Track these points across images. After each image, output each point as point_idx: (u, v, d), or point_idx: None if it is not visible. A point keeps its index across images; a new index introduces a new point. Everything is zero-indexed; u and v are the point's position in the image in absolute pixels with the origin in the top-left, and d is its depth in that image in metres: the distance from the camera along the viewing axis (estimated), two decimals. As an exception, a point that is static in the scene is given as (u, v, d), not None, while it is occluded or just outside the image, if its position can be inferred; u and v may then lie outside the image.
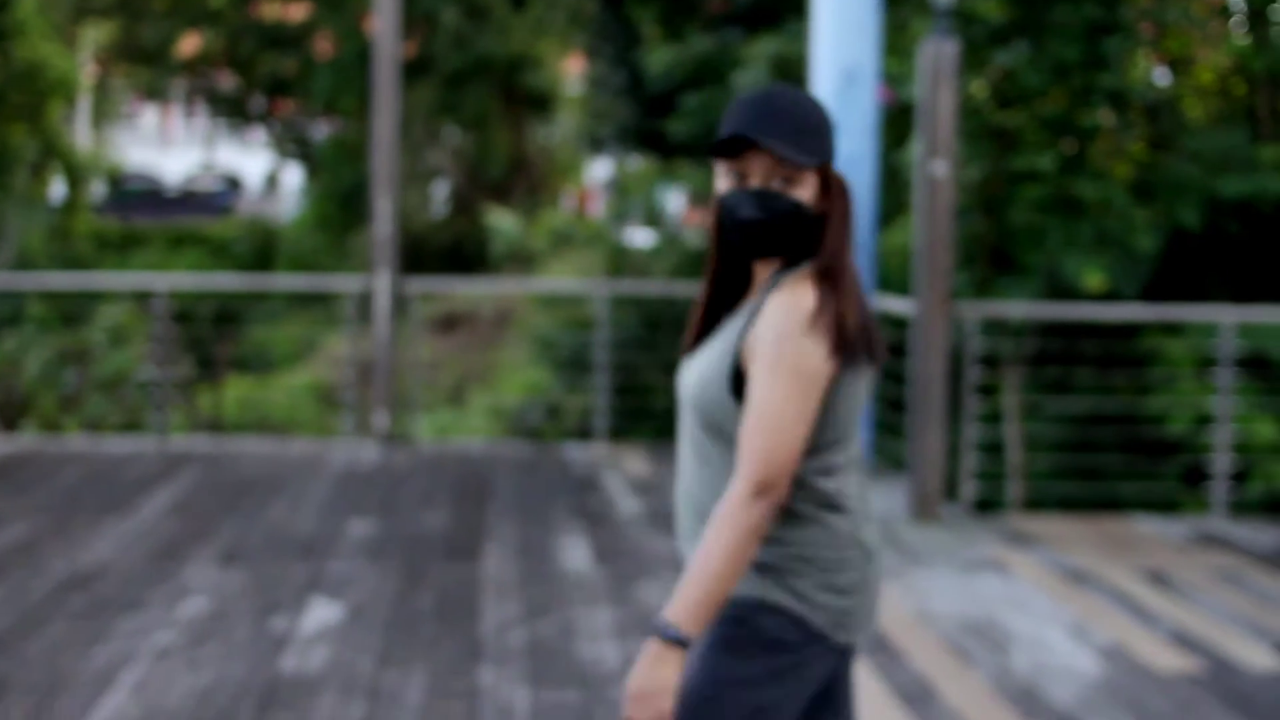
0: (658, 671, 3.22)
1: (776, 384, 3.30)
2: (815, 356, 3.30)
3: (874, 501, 3.51)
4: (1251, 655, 7.15)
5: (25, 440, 12.95)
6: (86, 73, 38.32)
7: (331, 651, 6.87)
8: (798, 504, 3.39)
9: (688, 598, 3.23)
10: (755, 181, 3.41)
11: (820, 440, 3.39)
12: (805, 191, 3.41)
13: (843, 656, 3.51)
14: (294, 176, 46.34)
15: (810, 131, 3.41)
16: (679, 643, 3.21)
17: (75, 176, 34.12)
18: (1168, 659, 7.06)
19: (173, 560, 8.48)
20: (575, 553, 8.87)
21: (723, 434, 3.42)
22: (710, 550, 3.24)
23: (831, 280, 3.38)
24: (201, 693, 6.26)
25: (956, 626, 7.53)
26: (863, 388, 3.45)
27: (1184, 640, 7.37)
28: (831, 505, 3.42)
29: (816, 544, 3.40)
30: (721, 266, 3.59)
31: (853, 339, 3.35)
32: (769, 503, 3.26)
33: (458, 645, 7.00)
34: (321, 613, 7.49)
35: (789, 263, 3.47)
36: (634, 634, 7.18)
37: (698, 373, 3.48)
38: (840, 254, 3.43)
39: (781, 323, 3.33)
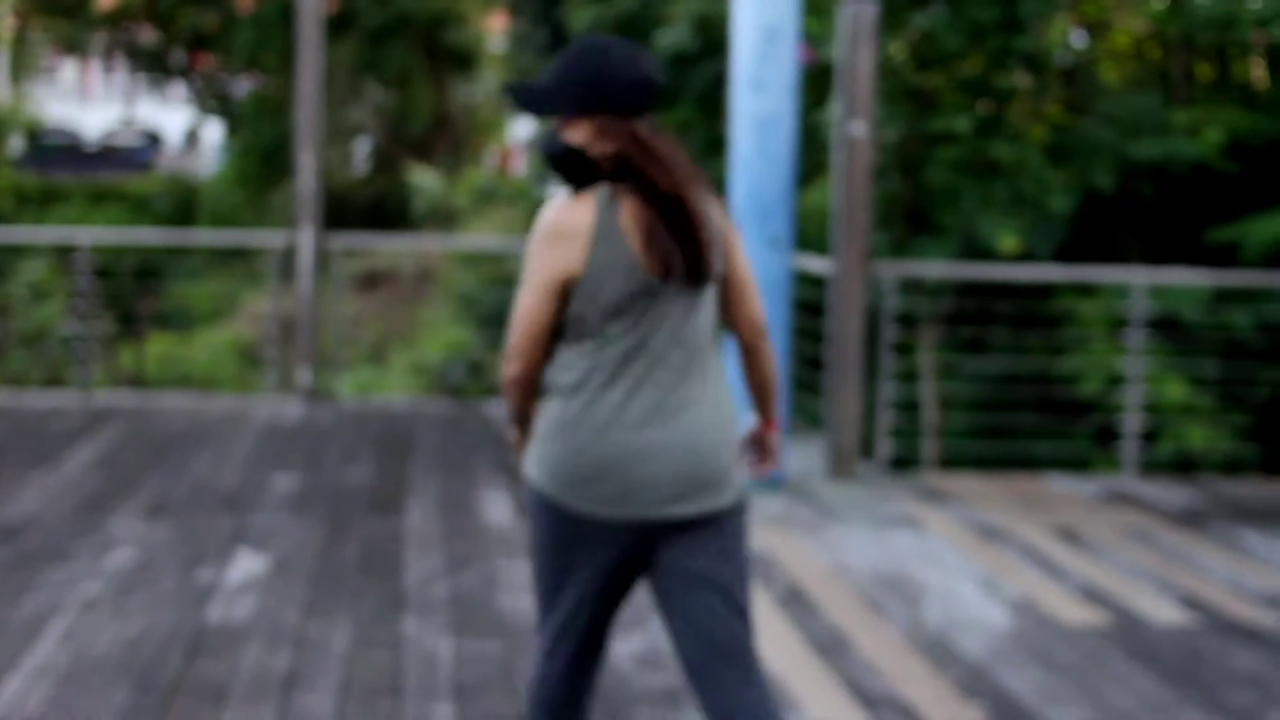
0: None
1: (522, 281, 3.99)
2: (537, 259, 3.92)
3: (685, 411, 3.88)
4: (1157, 609, 7.32)
5: (-54, 394, 12.96)
6: (5, 26, 37.97)
7: (257, 602, 6.95)
8: (549, 378, 4.01)
9: None
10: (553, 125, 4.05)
11: (568, 331, 3.96)
12: (577, 135, 3.97)
13: (643, 536, 3.97)
14: (214, 132, 46.10)
15: (572, 85, 3.95)
16: None
17: (-7, 131, 33.89)
18: (1076, 612, 7.23)
19: (98, 513, 8.54)
20: (497, 507, 8.97)
21: None
22: None
23: (613, 200, 3.90)
24: (129, 642, 6.34)
25: (870, 580, 7.68)
26: (621, 285, 3.88)
27: (1092, 594, 7.53)
28: (569, 385, 3.95)
29: (549, 415, 3.98)
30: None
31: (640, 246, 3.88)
32: (510, 370, 4.02)
33: (382, 596, 7.10)
34: (247, 564, 7.57)
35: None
36: None
37: None
38: (642, 182, 3.91)
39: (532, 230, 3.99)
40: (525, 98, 4.05)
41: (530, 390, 4.04)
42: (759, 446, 4.35)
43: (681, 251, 3.87)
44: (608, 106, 3.92)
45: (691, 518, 3.94)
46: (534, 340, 3.96)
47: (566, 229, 3.87)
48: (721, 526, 4.00)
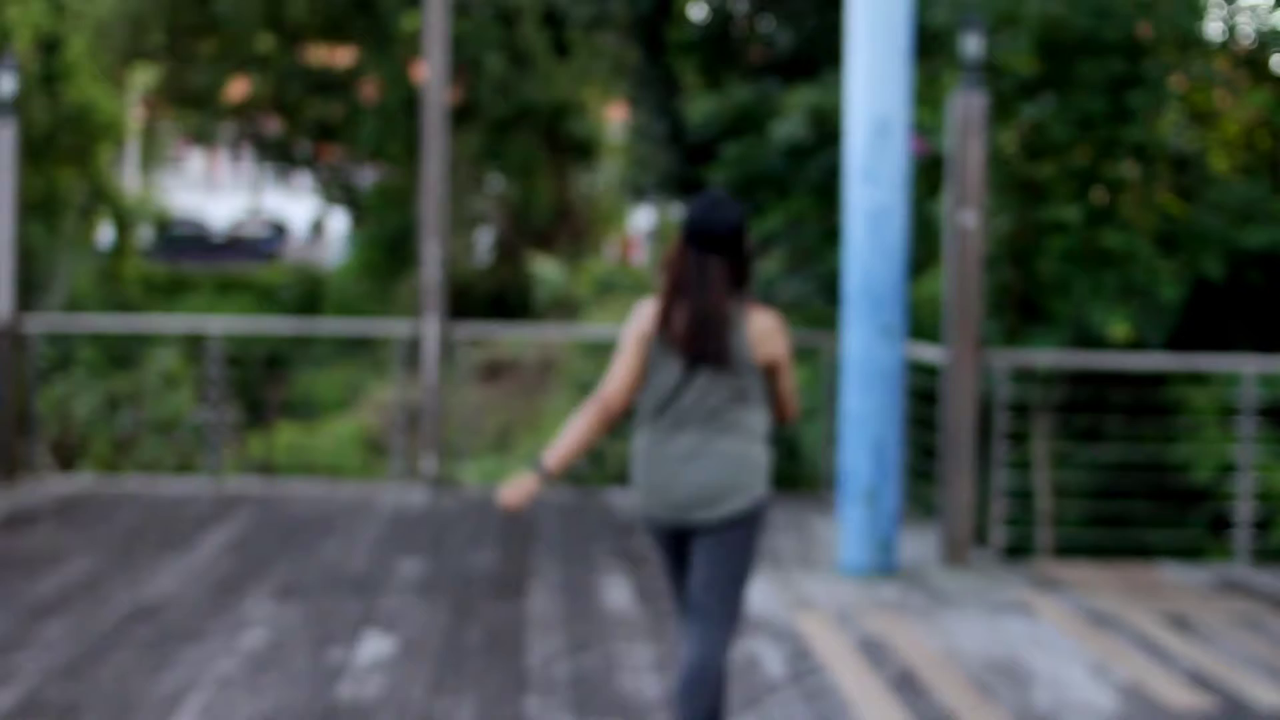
0: None
1: None
2: (627, 330, 5.56)
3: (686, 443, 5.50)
4: (1264, 694, 7.39)
5: (83, 480, 13.29)
6: (134, 116, 38.60)
7: (385, 681, 7.19)
8: (636, 417, 5.56)
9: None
10: None
11: (644, 383, 5.53)
12: None
13: (679, 533, 5.58)
14: (339, 222, 46.67)
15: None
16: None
17: (123, 220, 34.36)
18: (1183, 697, 7.32)
19: (232, 594, 8.84)
20: (617, 592, 9.18)
21: None
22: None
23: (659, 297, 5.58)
24: (264, 717, 6.59)
25: (981, 665, 7.81)
26: (672, 364, 5.47)
27: (1200, 680, 7.62)
28: (641, 424, 5.55)
29: (634, 446, 5.57)
30: None
31: (656, 329, 5.48)
32: (596, 403, 5.54)
33: (505, 676, 7.32)
34: (375, 645, 7.82)
35: None
36: (673, 668, 7.46)
37: None
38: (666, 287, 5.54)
39: None
40: None
41: None
42: None
43: (690, 340, 5.41)
44: (682, 238, 5.55)
45: (695, 525, 5.49)
46: (616, 384, 5.55)
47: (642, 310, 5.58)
48: (721, 534, 5.47)
